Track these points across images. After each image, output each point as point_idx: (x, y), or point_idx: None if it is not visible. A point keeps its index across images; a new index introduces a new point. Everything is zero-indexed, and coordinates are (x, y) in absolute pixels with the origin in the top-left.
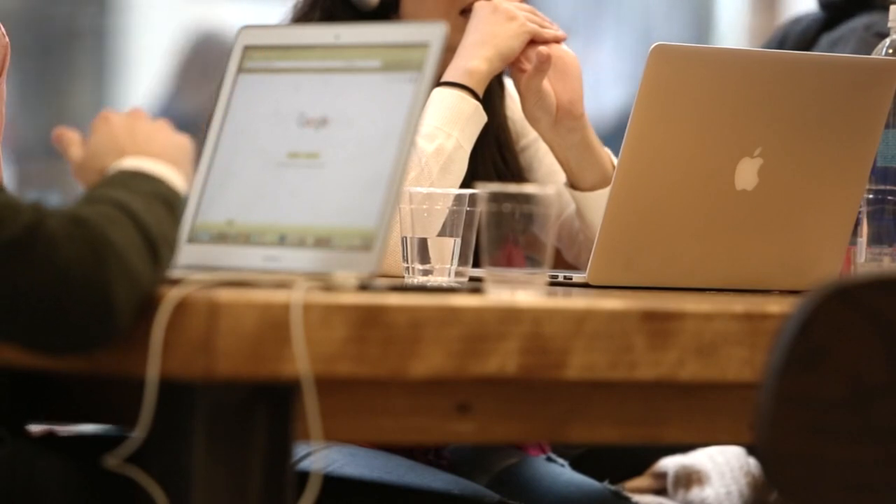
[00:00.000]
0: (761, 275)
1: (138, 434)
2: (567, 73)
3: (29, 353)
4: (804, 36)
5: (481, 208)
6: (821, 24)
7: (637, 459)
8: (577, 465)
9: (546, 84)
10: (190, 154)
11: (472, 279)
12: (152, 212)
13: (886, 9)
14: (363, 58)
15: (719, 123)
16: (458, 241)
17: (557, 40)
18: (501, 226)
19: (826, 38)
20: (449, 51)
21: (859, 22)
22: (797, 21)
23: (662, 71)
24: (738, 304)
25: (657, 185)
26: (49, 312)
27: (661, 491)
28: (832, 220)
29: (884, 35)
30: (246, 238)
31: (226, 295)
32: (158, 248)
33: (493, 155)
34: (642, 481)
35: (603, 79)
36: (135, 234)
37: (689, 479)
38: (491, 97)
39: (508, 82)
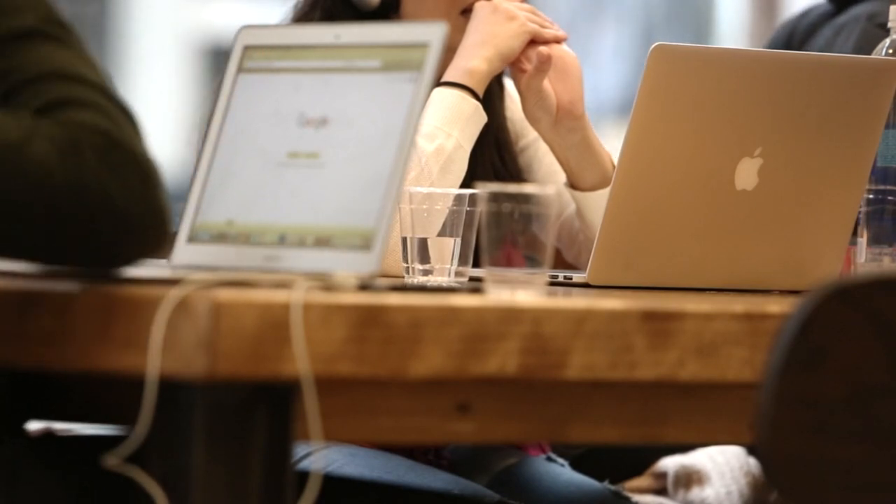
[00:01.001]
0: (761, 275)
1: (138, 434)
2: (567, 73)
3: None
4: (812, 29)
5: (481, 208)
6: (828, 18)
7: (637, 459)
8: (577, 465)
9: (546, 84)
10: None
11: (472, 279)
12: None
13: None
14: (363, 58)
15: (719, 123)
16: (458, 241)
17: (558, 40)
18: (501, 226)
19: (830, 25)
20: (449, 51)
21: (863, 10)
22: (805, 15)
23: (662, 71)
24: (738, 304)
25: (657, 185)
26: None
27: (661, 491)
28: (832, 220)
29: (883, 26)
30: (246, 238)
31: (226, 295)
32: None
33: (492, 156)
34: (642, 481)
35: (603, 79)
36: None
37: (689, 479)
38: (490, 98)
39: (508, 83)
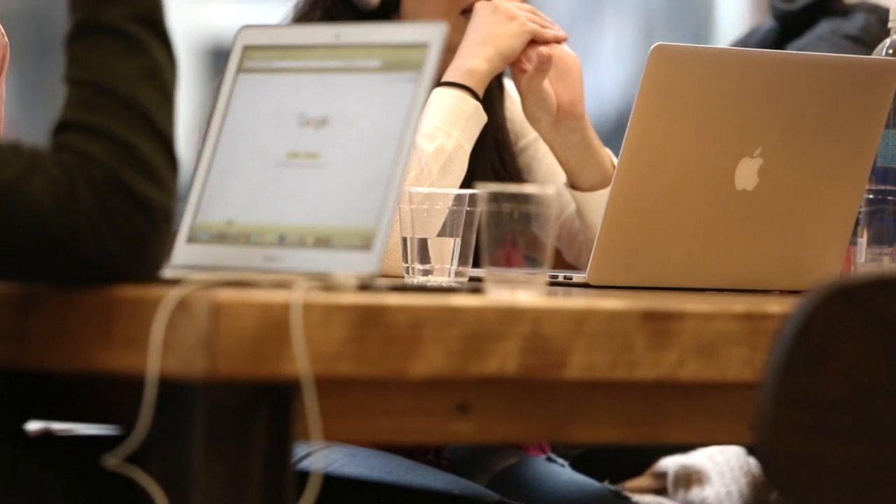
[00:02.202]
0: (761, 275)
1: (138, 434)
2: (568, 73)
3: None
4: (762, 46)
5: (481, 208)
6: (777, 35)
7: (637, 459)
8: (577, 465)
9: (547, 84)
10: None
11: (472, 279)
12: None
13: (845, 14)
14: (363, 58)
15: (719, 123)
16: (458, 241)
17: (558, 40)
18: (501, 226)
19: (791, 48)
20: (449, 51)
21: (824, 28)
22: (752, 33)
23: (662, 71)
24: (738, 304)
25: (657, 185)
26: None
27: (661, 491)
28: (832, 220)
29: (851, 37)
30: (246, 238)
31: (226, 295)
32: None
33: (492, 156)
34: (642, 481)
35: (603, 79)
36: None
37: (689, 479)
38: (490, 98)
39: (508, 83)
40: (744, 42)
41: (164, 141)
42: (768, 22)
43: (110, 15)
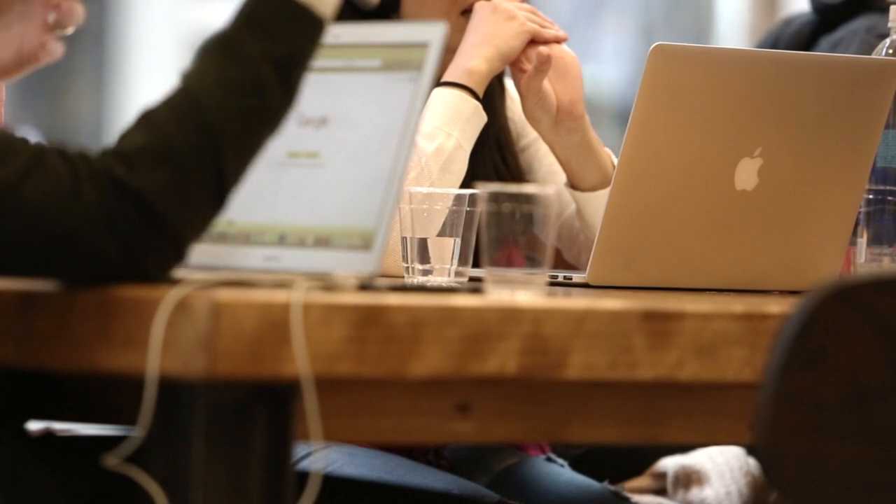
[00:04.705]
0: (761, 275)
1: (138, 433)
2: (567, 73)
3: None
4: (797, 38)
5: (481, 208)
6: (814, 27)
7: (637, 459)
8: (577, 465)
9: (546, 84)
10: None
11: (472, 279)
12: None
13: (885, 10)
14: (363, 57)
15: (719, 123)
16: (458, 241)
17: (558, 40)
18: (501, 226)
19: (826, 41)
20: (449, 51)
21: (860, 24)
22: (788, 22)
23: (662, 71)
24: (738, 304)
25: (657, 185)
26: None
27: (660, 491)
28: (832, 220)
29: (886, 37)
30: (246, 238)
31: (226, 295)
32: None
33: (494, 156)
34: (642, 481)
35: (603, 78)
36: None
37: (688, 479)
38: (491, 98)
39: (509, 83)
40: (778, 33)
41: (219, 179)
42: (806, 13)
43: (251, 46)
